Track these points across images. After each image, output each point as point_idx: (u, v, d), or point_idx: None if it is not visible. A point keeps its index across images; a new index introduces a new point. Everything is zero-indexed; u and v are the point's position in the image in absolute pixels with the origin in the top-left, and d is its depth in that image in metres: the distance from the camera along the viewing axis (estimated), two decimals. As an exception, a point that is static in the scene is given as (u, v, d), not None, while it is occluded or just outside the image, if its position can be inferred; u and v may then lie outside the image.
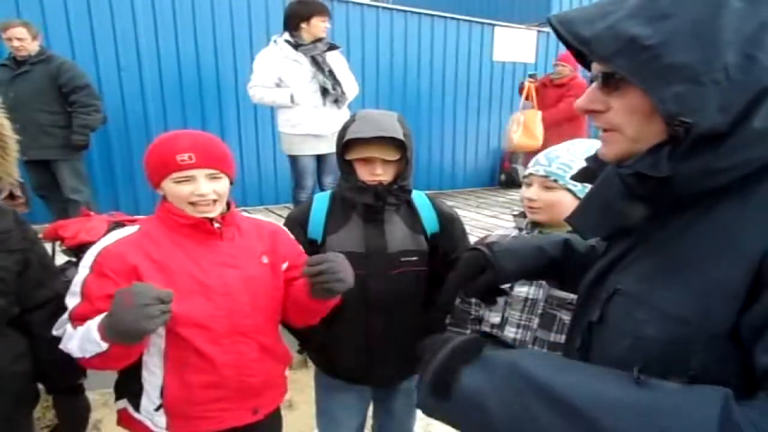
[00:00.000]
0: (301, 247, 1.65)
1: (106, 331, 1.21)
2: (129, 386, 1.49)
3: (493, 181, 7.41)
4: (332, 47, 3.88)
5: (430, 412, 0.75)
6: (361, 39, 6.04)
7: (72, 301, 1.34)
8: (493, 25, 6.97)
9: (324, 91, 3.81)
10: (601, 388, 0.59)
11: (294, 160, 4.05)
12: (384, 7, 6.33)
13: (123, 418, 1.54)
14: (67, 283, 1.39)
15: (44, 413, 2.15)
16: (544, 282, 1.42)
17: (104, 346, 1.22)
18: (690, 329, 0.62)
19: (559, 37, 0.71)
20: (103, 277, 1.32)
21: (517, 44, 7.14)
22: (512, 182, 6.86)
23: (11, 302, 1.35)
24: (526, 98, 5.57)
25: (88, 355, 1.26)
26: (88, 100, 4.03)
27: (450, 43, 6.68)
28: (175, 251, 1.40)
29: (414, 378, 1.96)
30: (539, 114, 5.37)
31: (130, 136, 5.08)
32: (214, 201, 1.40)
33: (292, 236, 1.65)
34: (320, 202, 1.81)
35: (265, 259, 1.52)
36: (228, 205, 1.50)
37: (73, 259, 1.57)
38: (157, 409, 1.43)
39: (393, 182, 1.69)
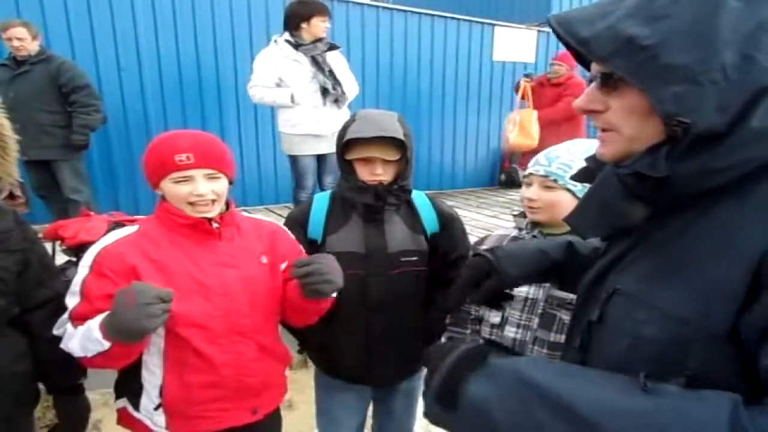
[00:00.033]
0: (301, 247, 1.65)
1: (107, 329, 1.22)
2: (129, 386, 1.49)
3: (493, 181, 7.41)
4: (332, 47, 3.88)
5: (436, 421, 0.75)
6: (361, 39, 6.04)
7: (72, 300, 1.35)
8: (493, 24, 6.97)
9: (324, 91, 3.81)
10: (607, 395, 0.59)
11: (294, 160, 4.05)
12: (384, 7, 6.33)
13: (123, 417, 1.54)
14: (67, 283, 1.39)
15: (44, 413, 2.15)
16: (543, 282, 1.43)
17: (106, 345, 1.23)
18: (689, 329, 0.62)
19: (559, 37, 0.71)
20: (103, 276, 1.32)
21: (517, 44, 7.14)
22: (512, 182, 6.86)
23: (11, 302, 1.35)
24: (522, 98, 5.57)
25: (90, 354, 1.27)
26: (88, 100, 4.03)
27: (450, 43, 6.68)
28: (173, 251, 1.40)
29: (414, 378, 1.96)
30: (535, 113, 5.38)
31: (130, 136, 5.07)
32: (213, 201, 1.40)
33: (292, 236, 1.65)
34: (320, 202, 1.81)
35: (264, 259, 1.52)
36: (227, 204, 1.50)
37: (73, 259, 1.57)
38: (156, 409, 1.44)
39: (393, 182, 1.69)
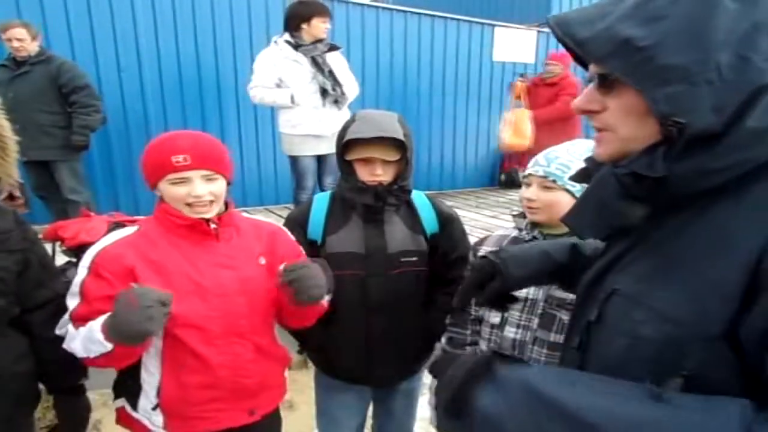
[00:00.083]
0: (301, 248, 1.65)
1: (109, 331, 1.23)
2: (128, 386, 1.50)
3: (493, 182, 7.41)
4: (333, 48, 3.88)
5: None
6: (361, 39, 6.04)
7: (72, 301, 1.36)
8: (493, 25, 6.97)
9: (323, 92, 3.81)
10: (617, 404, 0.58)
11: (294, 160, 4.05)
12: (384, 8, 6.33)
13: (121, 417, 1.56)
14: (68, 284, 1.40)
15: (44, 413, 2.15)
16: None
17: (109, 346, 1.25)
18: (686, 330, 0.62)
19: (558, 38, 0.71)
20: (100, 278, 1.33)
21: (517, 44, 7.14)
22: (512, 182, 6.86)
23: (11, 302, 1.36)
24: (517, 98, 5.57)
25: (92, 355, 1.29)
26: (88, 101, 4.03)
27: (450, 44, 6.68)
28: (171, 252, 1.41)
29: (414, 378, 1.97)
30: (529, 113, 5.37)
31: (130, 136, 5.07)
32: (211, 202, 1.40)
33: (292, 237, 1.65)
34: (320, 203, 1.81)
35: (262, 260, 1.52)
36: (226, 205, 1.50)
37: (74, 260, 1.57)
38: (154, 409, 1.45)
39: (393, 182, 1.69)
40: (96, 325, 1.27)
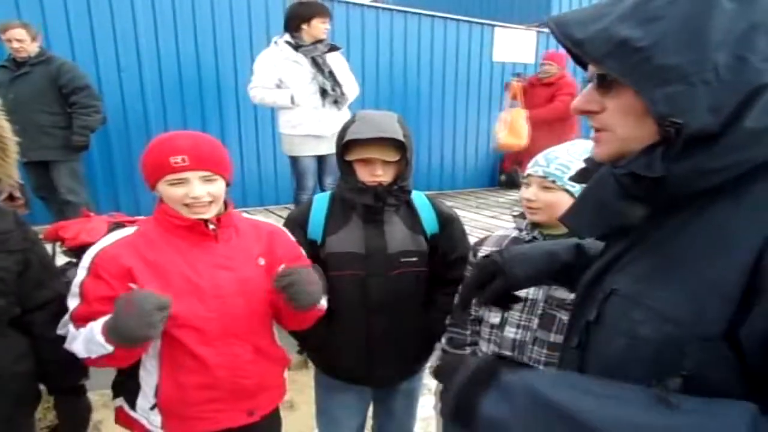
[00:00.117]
0: (300, 249, 1.65)
1: (109, 334, 1.24)
2: (126, 385, 1.50)
3: (493, 182, 7.41)
4: (333, 48, 3.88)
5: None
6: (361, 39, 6.04)
7: (72, 302, 1.36)
8: (493, 25, 6.97)
9: (323, 92, 3.82)
10: (623, 410, 0.58)
11: (295, 160, 4.06)
12: (384, 8, 6.33)
13: (120, 416, 1.56)
14: (68, 284, 1.40)
15: (45, 414, 2.15)
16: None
17: (110, 348, 1.26)
18: (684, 330, 0.62)
19: (556, 38, 0.71)
20: (99, 279, 1.34)
21: (517, 45, 7.14)
22: (512, 183, 6.86)
23: (12, 303, 1.36)
24: (513, 98, 5.56)
25: (94, 356, 1.30)
26: (89, 101, 4.03)
27: (450, 44, 6.68)
28: (169, 252, 1.41)
29: (414, 378, 1.97)
30: (524, 113, 5.36)
31: (131, 137, 5.07)
32: (209, 203, 1.40)
33: (291, 237, 1.65)
34: (320, 203, 1.81)
35: (261, 261, 1.51)
36: (226, 205, 1.50)
37: (74, 260, 1.57)
38: (152, 408, 1.45)
39: (393, 183, 1.69)
40: (97, 327, 1.27)
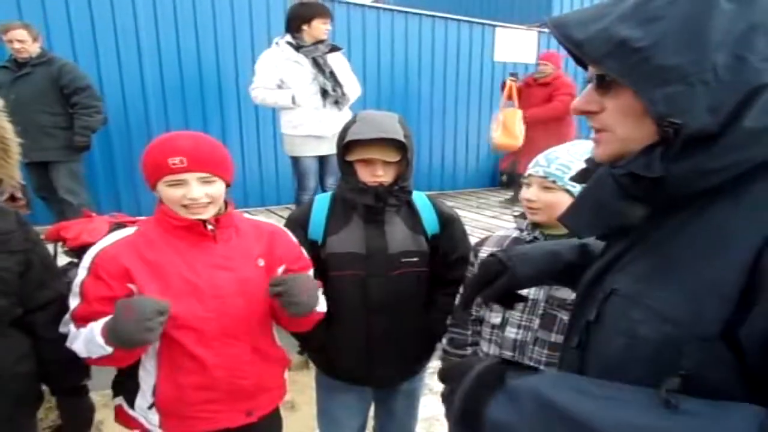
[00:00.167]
0: (301, 249, 1.65)
1: (108, 336, 1.26)
2: (126, 384, 1.51)
3: (494, 182, 7.42)
4: (334, 49, 3.88)
5: None
6: (362, 40, 6.05)
7: (73, 301, 1.37)
8: (494, 25, 6.97)
9: (324, 93, 3.82)
10: (630, 414, 0.57)
11: (296, 161, 4.06)
12: (385, 8, 6.33)
13: (119, 415, 1.57)
14: (69, 284, 1.41)
15: (47, 414, 2.15)
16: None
17: (109, 349, 1.27)
18: (683, 330, 0.62)
19: (557, 39, 0.71)
20: (99, 279, 1.35)
21: (518, 45, 7.14)
22: (513, 183, 6.85)
23: (14, 303, 1.36)
24: (509, 98, 5.56)
25: (94, 356, 1.32)
26: (90, 102, 4.03)
27: (451, 44, 6.68)
28: (168, 253, 1.41)
29: (415, 379, 1.97)
30: (519, 113, 5.35)
31: (132, 137, 5.08)
32: (208, 204, 1.40)
33: (292, 237, 1.64)
34: (321, 203, 1.81)
35: (261, 262, 1.51)
36: (226, 205, 1.50)
37: (75, 260, 1.57)
38: (150, 407, 1.46)
39: (393, 183, 1.69)
40: (97, 329, 1.29)
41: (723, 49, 0.61)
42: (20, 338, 1.40)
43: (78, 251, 1.53)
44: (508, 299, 1.07)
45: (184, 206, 1.38)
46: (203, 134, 1.46)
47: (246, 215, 1.64)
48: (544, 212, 1.49)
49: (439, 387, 0.83)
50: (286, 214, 4.96)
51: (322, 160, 4.10)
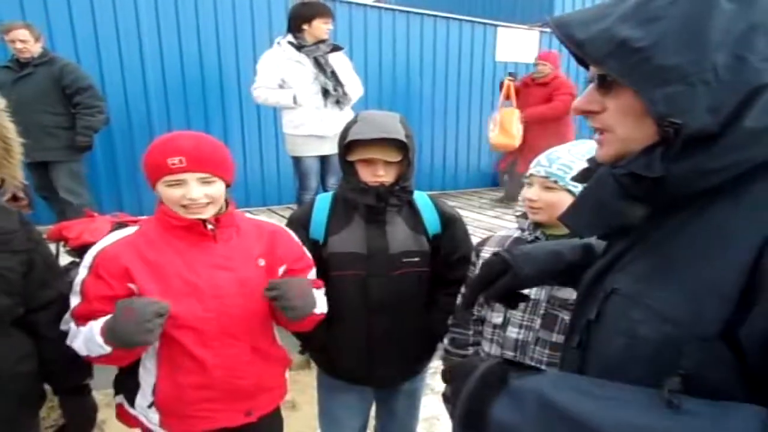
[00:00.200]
0: (303, 249, 1.64)
1: (107, 336, 1.27)
2: (126, 383, 1.52)
3: (496, 182, 7.41)
4: (335, 48, 3.89)
5: None
6: (364, 39, 6.05)
7: (74, 300, 1.38)
8: (496, 25, 6.97)
9: (325, 93, 3.82)
10: (624, 412, 0.58)
11: (298, 161, 4.06)
12: (386, 8, 6.33)
13: (120, 413, 1.58)
14: (71, 284, 1.41)
15: (49, 413, 2.16)
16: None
17: (108, 349, 1.28)
18: (683, 330, 0.62)
19: (558, 39, 0.71)
20: (99, 278, 1.35)
21: (520, 44, 7.13)
22: (508, 182, 6.84)
23: (17, 303, 1.36)
24: (506, 97, 5.55)
25: (93, 355, 1.32)
26: (92, 102, 4.04)
27: (452, 44, 6.68)
28: (168, 252, 1.41)
29: (416, 379, 1.97)
30: (516, 113, 5.35)
31: (134, 137, 5.09)
32: (207, 204, 1.40)
33: (294, 237, 1.64)
34: (322, 203, 1.81)
35: (261, 262, 1.51)
36: (227, 204, 1.50)
37: (77, 260, 1.58)
38: (149, 406, 1.46)
39: (395, 183, 1.69)
40: (96, 328, 1.30)
41: (723, 49, 0.61)
42: (22, 338, 1.41)
43: (80, 251, 1.54)
44: (511, 299, 1.07)
45: (184, 206, 1.38)
46: (204, 134, 1.46)
47: (247, 215, 1.64)
48: (546, 212, 1.48)
49: (441, 387, 0.83)
50: (287, 213, 4.96)
51: (323, 159, 4.10)
